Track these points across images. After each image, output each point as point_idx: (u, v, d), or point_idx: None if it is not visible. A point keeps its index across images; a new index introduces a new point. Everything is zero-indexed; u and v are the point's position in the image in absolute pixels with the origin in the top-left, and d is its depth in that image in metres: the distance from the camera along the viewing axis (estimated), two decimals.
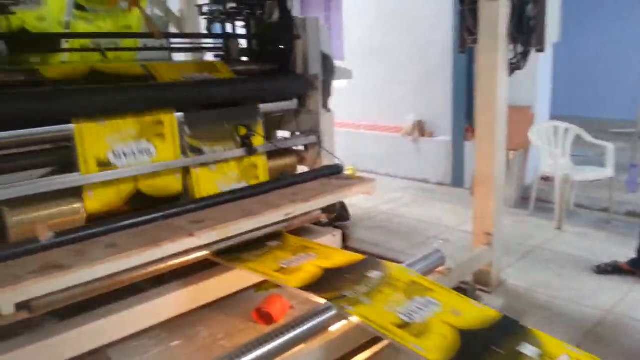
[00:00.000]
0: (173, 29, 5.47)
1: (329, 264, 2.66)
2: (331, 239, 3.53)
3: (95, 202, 2.62)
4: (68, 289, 2.19)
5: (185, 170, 2.96)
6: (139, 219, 2.56)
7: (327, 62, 3.83)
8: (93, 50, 3.24)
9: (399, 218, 5.63)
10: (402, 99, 7.28)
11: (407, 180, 7.25)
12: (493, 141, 3.58)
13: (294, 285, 2.42)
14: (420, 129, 7.12)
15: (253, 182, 3.21)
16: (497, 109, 3.52)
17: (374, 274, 2.53)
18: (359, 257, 2.75)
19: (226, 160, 3.11)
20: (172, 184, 2.89)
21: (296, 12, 8.75)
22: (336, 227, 3.72)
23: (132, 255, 2.25)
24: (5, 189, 2.31)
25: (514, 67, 3.57)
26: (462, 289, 3.20)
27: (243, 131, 3.18)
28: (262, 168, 3.30)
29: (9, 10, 2.79)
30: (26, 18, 3.14)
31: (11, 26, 2.94)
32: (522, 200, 5.86)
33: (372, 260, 2.70)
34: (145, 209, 2.66)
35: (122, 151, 2.63)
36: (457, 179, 6.78)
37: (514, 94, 3.94)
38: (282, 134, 3.88)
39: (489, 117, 3.55)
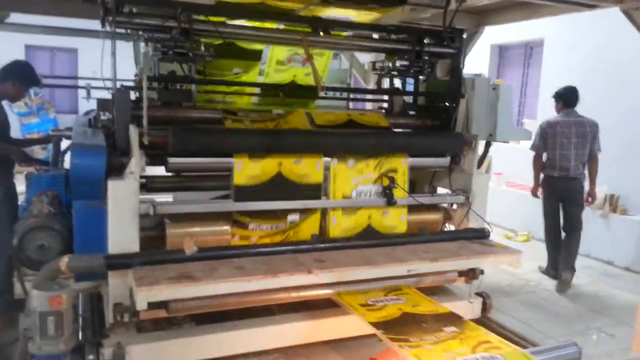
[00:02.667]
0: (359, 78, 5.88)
1: (411, 309, 2.72)
2: (467, 305, 3.38)
3: None
4: (202, 297, 2.54)
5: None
6: (270, 249, 2.83)
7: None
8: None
9: (564, 300, 5.04)
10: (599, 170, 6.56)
11: (589, 258, 6.44)
12: None
13: (368, 320, 2.57)
14: (613, 204, 6.30)
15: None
16: None
17: (449, 330, 2.51)
18: (445, 309, 2.74)
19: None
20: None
21: (493, 66, 8.60)
22: (477, 293, 3.54)
23: (252, 279, 2.51)
24: (169, 205, 2.78)
25: None
26: None
27: (386, 182, 3.28)
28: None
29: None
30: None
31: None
32: None
33: (456, 316, 2.67)
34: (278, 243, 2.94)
35: None
36: None
37: None
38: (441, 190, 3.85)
39: None
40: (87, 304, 3.07)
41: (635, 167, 6.10)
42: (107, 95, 4.13)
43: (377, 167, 3.24)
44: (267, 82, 4.06)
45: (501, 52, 8.47)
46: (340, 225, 3.17)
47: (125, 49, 3.68)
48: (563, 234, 5.65)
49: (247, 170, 2.87)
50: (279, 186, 2.94)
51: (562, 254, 5.52)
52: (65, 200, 3.14)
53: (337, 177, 3.13)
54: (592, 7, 3.41)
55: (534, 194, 5.89)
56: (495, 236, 3.95)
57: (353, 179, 3.18)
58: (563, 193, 5.65)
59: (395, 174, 3.27)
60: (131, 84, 3.49)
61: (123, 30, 3.19)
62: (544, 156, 5.75)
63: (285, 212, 3.04)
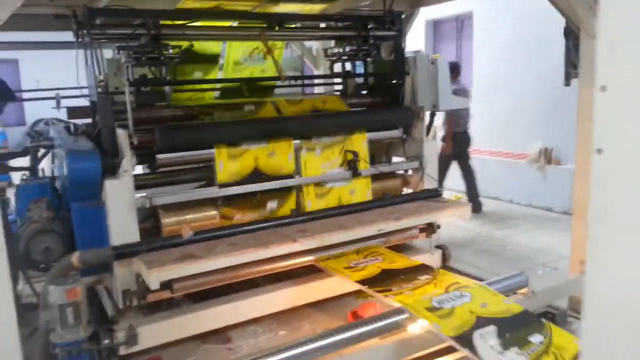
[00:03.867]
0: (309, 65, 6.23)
1: (389, 266, 3.14)
2: (430, 257, 3.85)
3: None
4: (200, 274, 2.87)
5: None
6: (256, 226, 3.18)
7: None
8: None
9: (512, 245, 5.66)
10: (529, 127, 7.23)
11: (531, 207, 7.14)
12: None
13: (353, 279, 2.96)
14: (547, 157, 6.99)
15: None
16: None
17: (424, 277, 2.97)
18: (417, 262, 3.21)
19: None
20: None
21: (430, 41, 9.14)
22: (437, 246, 4.02)
23: (247, 252, 2.87)
24: (164, 197, 3.08)
25: None
26: (550, 313, 3.31)
27: (350, 156, 3.68)
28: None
29: None
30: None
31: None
32: None
33: (428, 266, 3.14)
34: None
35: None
36: None
37: None
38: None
39: (587, 149, 3.60)
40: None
41: (560, 122, 6.78)
42: (77, 103, 4.33)
43: (341, 151, 3.64)
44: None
45: (436, 27, 9.03)
46: (314, 207, 3.55)
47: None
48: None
49: (228, 168, 3.21)
50: (257, 180, 3.31)
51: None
52: (54, 204, 3.39)
53: (308, 165, 3.52)
54: None
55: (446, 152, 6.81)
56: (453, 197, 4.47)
57: (322, 164, 3.57)
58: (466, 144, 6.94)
59: (357, 149, 3.68)
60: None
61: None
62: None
63: (264, 201, 3.40)
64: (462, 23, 8.57)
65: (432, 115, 4.49)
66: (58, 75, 8.28)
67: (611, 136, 0.82)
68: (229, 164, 3.21)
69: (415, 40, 8.28)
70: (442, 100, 4.36)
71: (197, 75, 4.27)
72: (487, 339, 2.27)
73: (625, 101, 0.83)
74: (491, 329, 2.36)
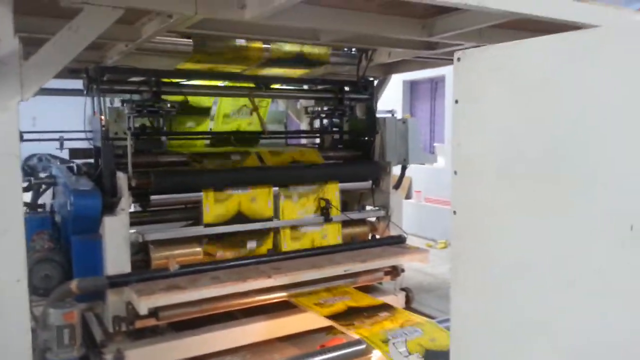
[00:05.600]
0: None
1: (354, 304, 3.52)
2: (394, 298, 4.25)
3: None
4: (184, 304, 3.23)
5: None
6: (236, 262, 3.58)
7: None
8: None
9: None
10: None
11: None
12: None
13: (322, 314, 3.33)
14: None
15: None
16: None
17: (383, 314, 3.36)
18: (379, 301, 3.61)
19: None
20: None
21: (406, 99, 9.81)
22: (402, 289, 4.44)
23: (226, 285, 3.25)
24: (154, 233, 3.47)
25: None
26: None
27: (323, 204, 4.14)
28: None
29: None
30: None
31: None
32: None
33: (389, 305, 3.55)
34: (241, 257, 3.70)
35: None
36: None
37: None
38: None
39: None
40: None
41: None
42: (78, 145, 4.76)
43: (316, 198, 4.09)
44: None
45: (412, 87, 9.71)
46: (290, 248, 3.96)
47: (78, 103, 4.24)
48: None
49: (213, 210, 3.63)
50: (239, 221, 3.73)
51: None
52: (54, 237, 3.76)
53: (285, 210, 3.96)
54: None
55: None
56: (418, 244, 4.89)
57: (298, 210, 4.02)
58: None
59: (329, 197, 4.14)
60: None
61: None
62: None
63: (245, 241, 3.81)
64: (435, 84, 9.26)
65: (404, 168, 4.97)
66: (54, 113, 8.67)
67: (461, 201, 1.26)
68: (215, 206, 3.64)
69: (392, 98, 8.90)
70: (412, 155, 4.87)
71: (190, 124, 4.74)
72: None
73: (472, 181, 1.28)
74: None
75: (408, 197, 9.26)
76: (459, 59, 1.20)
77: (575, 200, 1.03)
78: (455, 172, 1.25)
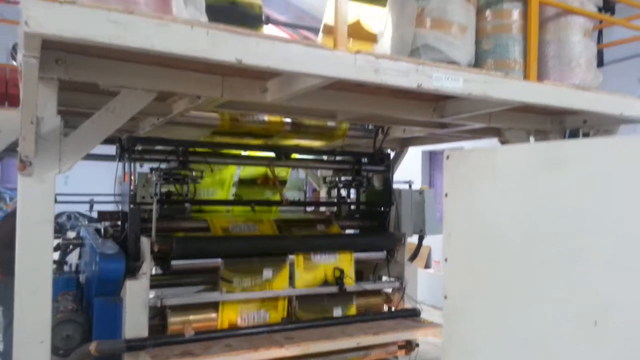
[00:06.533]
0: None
1: None
2: None
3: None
4: None
5: None
6: (249, 331, 3.64)
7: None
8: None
9: None
10: None
11: None
12: None
13: None
14: None
15: None
16: None
17: None
18: None
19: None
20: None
21: (425, 168, 9.96)
22: None
23: (239, 354, 3.31)
24: (173, 298, 3.59)
25: None
26: None
27: (337, 273, 4.21)
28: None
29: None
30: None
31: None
32: None
33: None
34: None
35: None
36: None
37: None
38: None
39: None
40: None
41: None
42: (107, 207, 5.00)
43: (331, 268, 4.17)
44: (243, 176, 5.06)
45: (431, 157, 9.90)
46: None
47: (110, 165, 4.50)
48: None
49: (227, 275, 3.75)
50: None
51: None
52: (78, 297, 3.90)
53: (300, 278, 4.03)
54: (479, 137, 4.68)
55: None
56: (436, 316, 4.86)
57: (312, 279, 4.09)
58: None
59: (344, 267, 4.22)
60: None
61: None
62: None
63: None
64: None
65: (420, 239, 5.03)
66: (86, 174, 9.07)
67: (452, 287, 1.36)
68: (232, 274, 3.75)
69: (412, 167, 9.07)
70: (428, 226, 4.95)
71: (213, 190, 4.95)
72: None
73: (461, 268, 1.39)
74: None
75: (427, 266, 9.20)
76: (447, 157, 1.34)
77: (549, 292, 1.13)
78: (446, 260, 1.36)
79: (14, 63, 4.89)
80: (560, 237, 1.13)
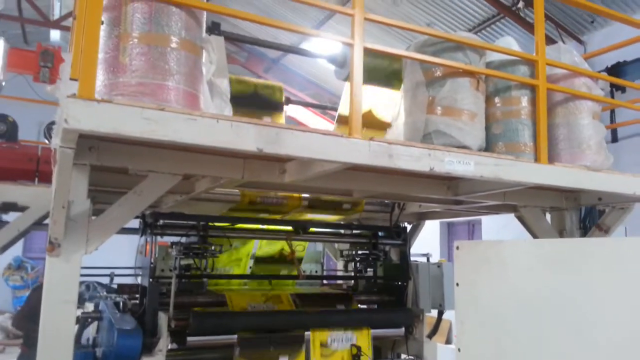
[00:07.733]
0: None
1: None
2: None
3: None
4: None
5: None
6: None
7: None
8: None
9: None
10: None
11: None
12: None
13: None
14: None
15: None
16: None
17: None
18: None
19: None
20: None
21: (444, 239, 9.94)
22: None
23: None
24: None
25: None
26: None
27: (354, 351, 4.15)
28: None
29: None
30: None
31: None
32: None
33: None
34: None
35: None
36: None
37: None
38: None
39: None
40: None
41: None
42: (126, 280, 5.07)
43: (348, 344, 4.12)
44: (258, 254, 5.10)
45: (449, 228, 9.90)
46: None
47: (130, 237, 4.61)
48: None
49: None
50: None
51: None
52: None
53: (316, 355, 3.98)
54: (495, 213, 4.71)
55: None
56: None
57: (329, 356, 4.04)
58: None
59: (361, 344, 4.16)
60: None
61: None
62: None
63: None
64: (473, 227, 9.41)
65: (440, 314, 4.93)
66: (106, 245, 9.27)
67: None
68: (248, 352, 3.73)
69: (430, 239, 9.06)
70: (447, 301, 4.88)
71: (236, 245, 4.99)
72: None
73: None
74: None
75: (448, 342, 8.95)
76: (457, 247, 1.41)
77: None
78: (459, 350, 1.39)
79: (46, 141, 5.16)
80: (566, 330, 1.16)
